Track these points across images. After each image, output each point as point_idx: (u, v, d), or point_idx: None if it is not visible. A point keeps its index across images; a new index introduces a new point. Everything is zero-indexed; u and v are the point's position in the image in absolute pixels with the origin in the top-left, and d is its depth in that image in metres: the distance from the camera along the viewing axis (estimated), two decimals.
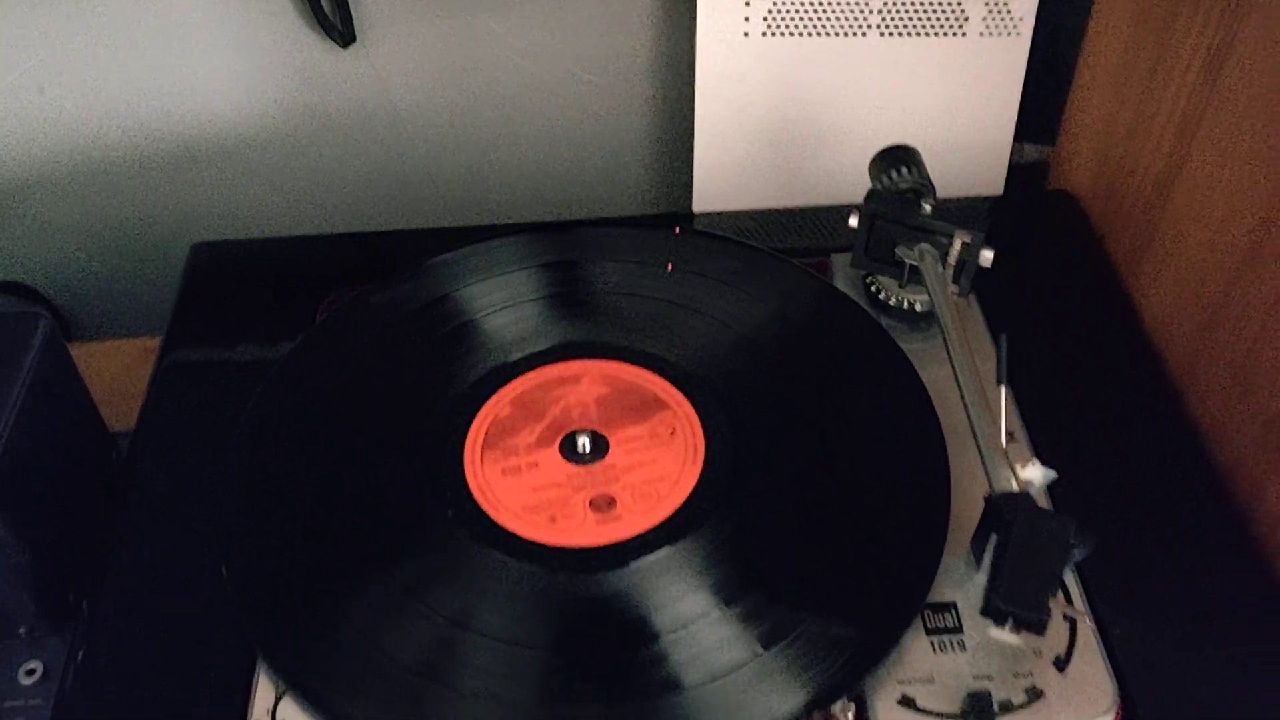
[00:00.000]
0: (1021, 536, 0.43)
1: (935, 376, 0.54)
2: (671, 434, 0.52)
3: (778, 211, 0.70)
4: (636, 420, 0.53)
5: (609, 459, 0.52)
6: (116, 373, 0.70)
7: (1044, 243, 0.68)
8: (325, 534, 0.50)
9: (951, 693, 0.45)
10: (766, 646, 0.45)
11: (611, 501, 0.50)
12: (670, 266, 0.61)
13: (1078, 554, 0.48)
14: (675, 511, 0.49)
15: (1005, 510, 0.45)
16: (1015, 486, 0.46)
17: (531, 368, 0.55)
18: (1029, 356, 0.57)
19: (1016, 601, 0.42)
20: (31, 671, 0.52)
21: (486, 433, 0.53)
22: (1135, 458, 0.55)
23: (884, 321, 0.59)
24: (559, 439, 0.52)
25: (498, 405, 0.54)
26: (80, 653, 0.50)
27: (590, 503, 0.50)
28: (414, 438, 0.53)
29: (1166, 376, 0.59)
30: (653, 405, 0.54)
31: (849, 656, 0.45)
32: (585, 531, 0.49)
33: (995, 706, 0.44)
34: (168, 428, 0.58)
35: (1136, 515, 0.53)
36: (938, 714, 0.45)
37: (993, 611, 0.43)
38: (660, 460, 0.51)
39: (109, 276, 0.75)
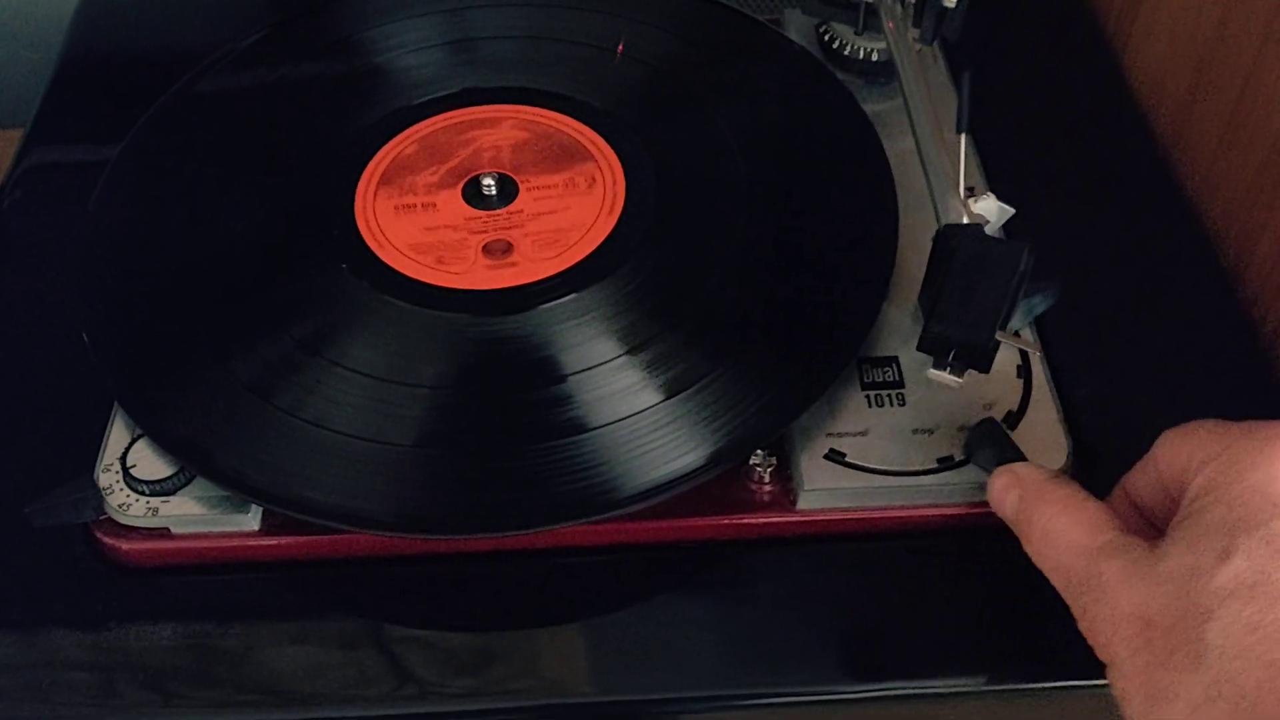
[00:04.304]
0: (966, 260, 0.38)
1: (899, 149, 0.48)
2: (590, 185, 0.47)
3: None
4: (553, 169, 0.47)
5: (515, 205, 0.46)
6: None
7: (1024, 8, 0.61)
8: (186, 272, 0.45)
9: (886, 446, 0.40)
10: (675, 393, 0.40)
11: (508, 248, 0.44)
12: (621, 49, 0.55)
13: (1040, 303, 0.42)
14: (578, 262, 0.44)
15: (950, 238, 0.39)
16: (966, 220, 0.41)
17: (443, 110, 0.49)
18: (1004, 125, 0.51)
19: (956, 324, 0.37)
20: None
21: (385, 170, 0.47)
22: (1116, 219, 0.49)
23: (840, 77, 0.52)
24: (463, 181, 0.47)
25: (402, 144, 0.48)
26: None
27: (484, 247, 0.44)
28: (302, 175, 0.47)
29: (1155, 132, 0.53)
30: (575, 155, 0.48)
31: (766, 406, 0.40)
32: (473, 276, 0.43)
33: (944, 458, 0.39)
34: (45, 176, 0.53)
35: (1113, 277, 0.47)
36: (869, 469, 0.40)
37: (930, 340, 0.37)
38: (573, 210, 0.46)
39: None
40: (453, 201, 0.46)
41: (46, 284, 0.48)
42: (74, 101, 0.56)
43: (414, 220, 0.45)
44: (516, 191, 0.46)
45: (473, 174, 0.47)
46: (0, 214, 0.51)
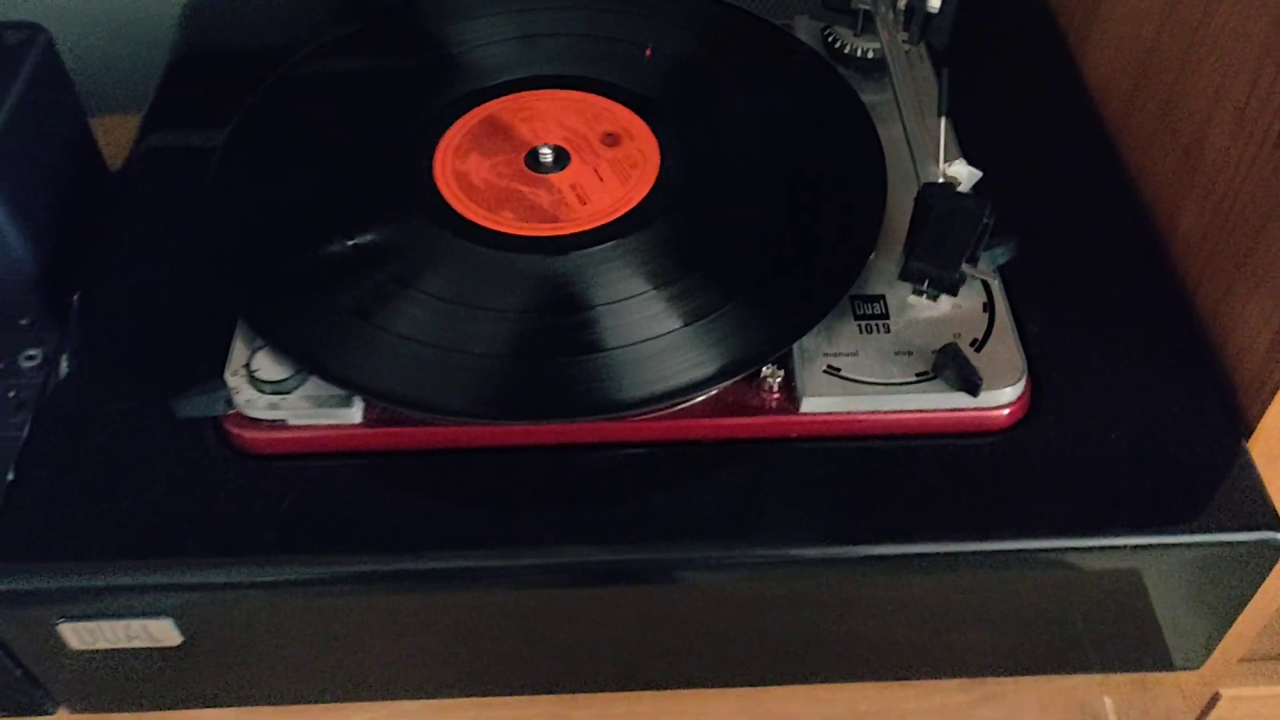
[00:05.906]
0: (940, 213, 0.47)
1: (890, 135, 0.57)
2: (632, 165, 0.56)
3: None
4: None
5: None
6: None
7: (1002, 23, 0.71)
8: (299, 207, 0.54)
9: (873, 364, 0.49)
10: (700, 317, 0.49)
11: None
12: (649, 52, 0.64)
13: (1003, 253, 0.51)
14: (619, 216, 0.53)
15: (929, 196, 0.48)
16: (942, 181, 0.50)
17: (511, 91, 0.59)
18: (979, 117, 0.60)
19: (930, 259, 0.46)
20: (31, 357, 0.56)
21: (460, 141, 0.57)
22: (1069, 192, 0.59)
23: (842, 72, 0.62)
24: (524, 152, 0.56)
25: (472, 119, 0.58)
26: (73, 334, 0.54)
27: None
28: (392, 141, 0.57)
29: (1104, 125, 0.63)
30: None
31: (778, 325, 0.49)
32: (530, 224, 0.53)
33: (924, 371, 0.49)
34: (163, 155, 0.62)
35: (1065, 238, 0.56)
36: (860, 381, 0.49)
37: (909, 272, 0.47)
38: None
39: (110, 47, 0.78)
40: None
41: (172, 243, 0.57)
42: (185, 92, 0.65)
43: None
44: (569, 161, 0.56)
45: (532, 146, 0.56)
46: (126, 185, 0.61)
